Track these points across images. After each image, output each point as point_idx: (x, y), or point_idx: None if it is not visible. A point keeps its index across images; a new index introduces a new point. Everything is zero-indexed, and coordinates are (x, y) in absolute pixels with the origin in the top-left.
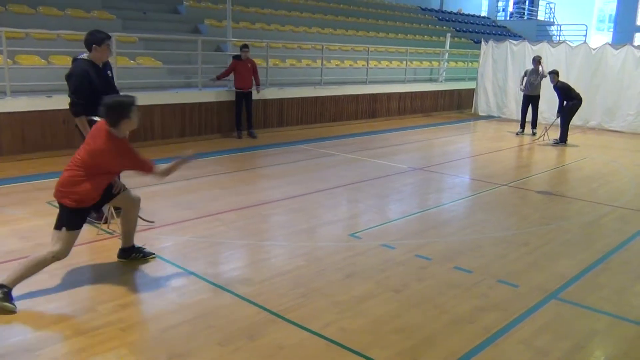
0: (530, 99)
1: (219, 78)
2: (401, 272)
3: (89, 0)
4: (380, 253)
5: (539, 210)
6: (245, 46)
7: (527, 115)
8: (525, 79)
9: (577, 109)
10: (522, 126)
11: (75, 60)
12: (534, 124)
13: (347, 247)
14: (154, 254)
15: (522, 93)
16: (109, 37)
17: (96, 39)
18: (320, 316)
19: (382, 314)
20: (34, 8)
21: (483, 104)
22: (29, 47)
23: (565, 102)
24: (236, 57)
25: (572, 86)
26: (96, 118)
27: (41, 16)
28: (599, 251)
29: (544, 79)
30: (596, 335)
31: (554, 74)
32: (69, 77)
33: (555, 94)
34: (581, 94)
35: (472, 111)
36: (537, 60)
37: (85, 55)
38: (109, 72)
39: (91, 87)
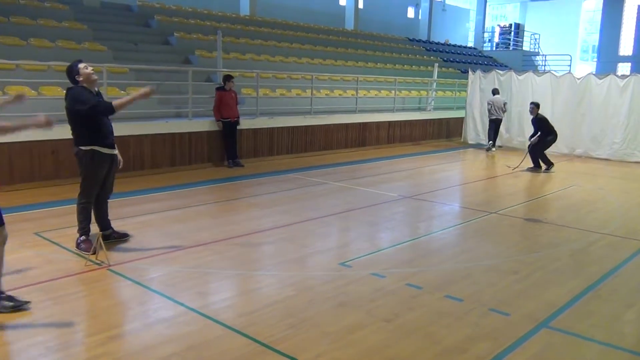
0: (497, 122)
1: (221, 117)
2: (392, 301)
3: (79, 31)
4: (370, 282)
5: (528, 237)
6: (230, 77)
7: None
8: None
9: (552, 144)
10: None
11: (68, 88)
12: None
13: (338, 276)
14: (28, 302)
15: (489, 118)
16: (80, 61)
17: (72, 70)
18: (311, 347)
19: (373, 344)
20: (25, 40)
21: (472, 132)
22: (19, 79)
23: (539, 133)
24: (220, 88)
25: (557, 114)
26: (98, 148)
27: (32, 47)
28: (588, 279)
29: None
30: None
31: (535, 105)
32: (72, 100)
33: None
34: (567, 123)
35: (462, 140)
36: (498, 92)
37: (81, 83)
38: (100, 99)
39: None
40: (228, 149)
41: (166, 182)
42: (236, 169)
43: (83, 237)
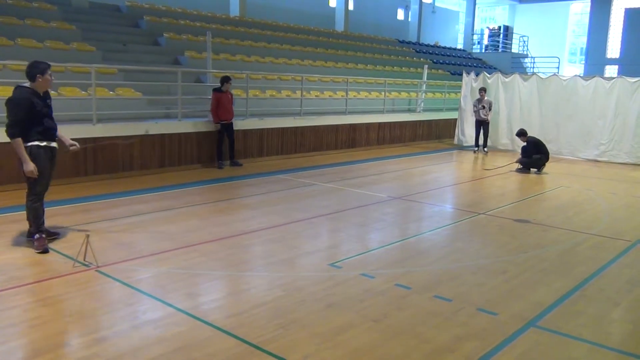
0: (481, 124)
1: (220, 119)
2: (381, 301)
3: (68, 32)
4: (360, 283)
5: (517, 238)
6: (228, 78)
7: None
8: (476, 107)
9: (542, 164)
10: (477, 145)
11: (18, 87)
12: (485, 145)
13: (327, 277)
14: None
15: (475, 118)
16: (50, 66)
17: (39, 69)
18: (300, 347)
19: (362, 345)
20: (12, 40)
21: (462, 134)
22: (6, 79)
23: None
24: (217, 90)
25: (544, 116)
26: (36, 143)
27: (19, 48)
28: (575, 279)
29: (491, 106)
30: None
31: (522, 135)
32: (8, 102)
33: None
34: (554, 125)
35: (455, 141)
36: (484, 91)
37: (27, 84)
38: (48, 101)
39: (33, 114)
40: (220, 151)
41: (155, 183)
42: (226, 169)
43: None
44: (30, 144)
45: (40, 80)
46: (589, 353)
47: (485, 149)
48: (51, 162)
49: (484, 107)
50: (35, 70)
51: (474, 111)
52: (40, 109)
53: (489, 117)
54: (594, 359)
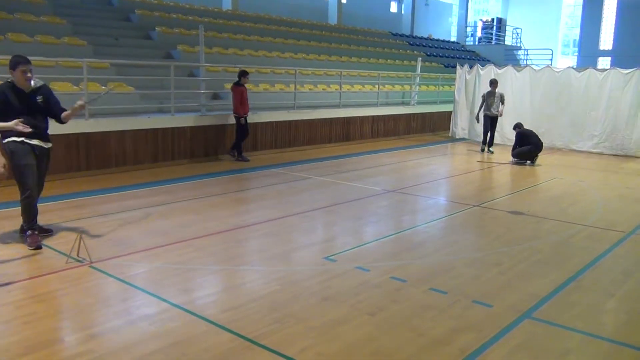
0: (493, 120)
1: (243, 113)
2: (376, 294)
3: (59, 26)
4: (355, 276)
5: (511, 230)
6: (246, 72)
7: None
8: (486, 101)
9: (534, 154)
10: (485, 143)
11: (5, 81)
12: (491, 143)
13: (322, 271)
14: None
15: (484, 114)
16: (25, 62)
17: (11, 64)
18: (295, 341)
19: (357, 338)
20: (2, 34)
21: (457, 126)
22: None
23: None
24: (238, 84)
25: (537, 107)
26: (13, 139)
27: (9, 42)
28: (570, 270)
29: (503, 99)
30: (570, 353)
31: (517, 128)
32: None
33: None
34: (548, 116)
35: (450, 134)
36: (494, 83)
37: (11, 79)
38: (38, 98)
39: (6, 109)
40: (239, 144)
41: (148, 178)
42: (224, 164)
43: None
44: (7, 140)
45: (12, 74)
46: (583, 343)
47: (491, 149)
48: (39, 160)
49: (496, 102)
50: (9, 64)
51: (486, 106)
52: (15, 104)
53: (501, 112)
54: (588, 349)
